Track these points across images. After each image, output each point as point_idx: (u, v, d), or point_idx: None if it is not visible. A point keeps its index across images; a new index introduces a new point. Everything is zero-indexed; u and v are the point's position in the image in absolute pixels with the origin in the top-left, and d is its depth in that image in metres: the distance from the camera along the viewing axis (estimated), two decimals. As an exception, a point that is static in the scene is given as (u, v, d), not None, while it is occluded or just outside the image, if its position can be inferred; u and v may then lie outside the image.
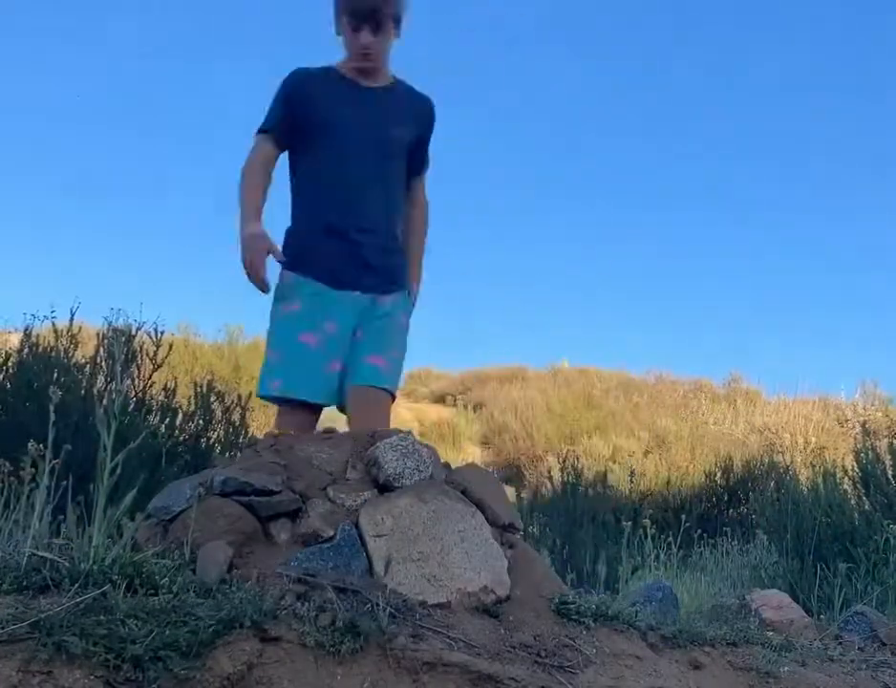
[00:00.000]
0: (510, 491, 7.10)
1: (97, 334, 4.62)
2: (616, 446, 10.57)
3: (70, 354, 4.13)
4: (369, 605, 1.41)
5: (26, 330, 4.19)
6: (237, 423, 4.47)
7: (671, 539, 3.82)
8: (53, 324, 4.40)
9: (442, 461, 1.93)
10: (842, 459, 5.89)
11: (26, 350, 4.02)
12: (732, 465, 7.75)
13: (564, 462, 6.22)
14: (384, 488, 1.69)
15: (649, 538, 3.57)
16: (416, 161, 2.48)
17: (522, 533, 1.91)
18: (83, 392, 3.86)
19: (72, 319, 4.33)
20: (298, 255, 2.32)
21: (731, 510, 6.97)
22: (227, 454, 3.90)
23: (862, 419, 10.65)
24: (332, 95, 2.37)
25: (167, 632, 1.19)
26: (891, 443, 4.65)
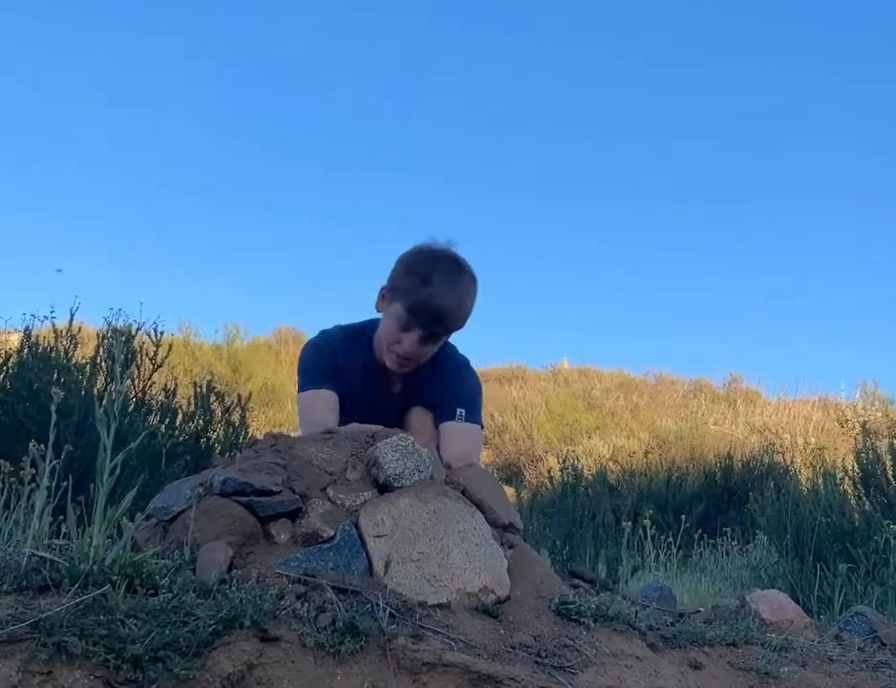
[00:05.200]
0: (510, 491, 7.10)
1: (97, 335, 4.63)
2: (616, 446, 10.58)
3: (70, 355, 4.13)
4: (369, 605, 1.41)
5: (26, 330, 4.18)
6: (237, 423, 4.48)
7: (671, 539, 3.83)
8: (53, 324, 4.39)
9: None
10: (843, 459, 5.88)
11: (26, 350, 4.02)
12: (732, 465, 7.74)
13: (564, 462, 6.23)
14: (384, 488, 1.69)
15: (649, 538, 3.58)
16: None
17: (522, 533, 1.91)
18: (83, 392, 3.87)
19: (72, 319, 4.33)
20: None
21: (731, 510, 6.97)
22: (227, 454, 3.90)
23: (862, 419, 10.65)
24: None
25: (167, 632, 1.19)
26: (891, 443, 4.66)
